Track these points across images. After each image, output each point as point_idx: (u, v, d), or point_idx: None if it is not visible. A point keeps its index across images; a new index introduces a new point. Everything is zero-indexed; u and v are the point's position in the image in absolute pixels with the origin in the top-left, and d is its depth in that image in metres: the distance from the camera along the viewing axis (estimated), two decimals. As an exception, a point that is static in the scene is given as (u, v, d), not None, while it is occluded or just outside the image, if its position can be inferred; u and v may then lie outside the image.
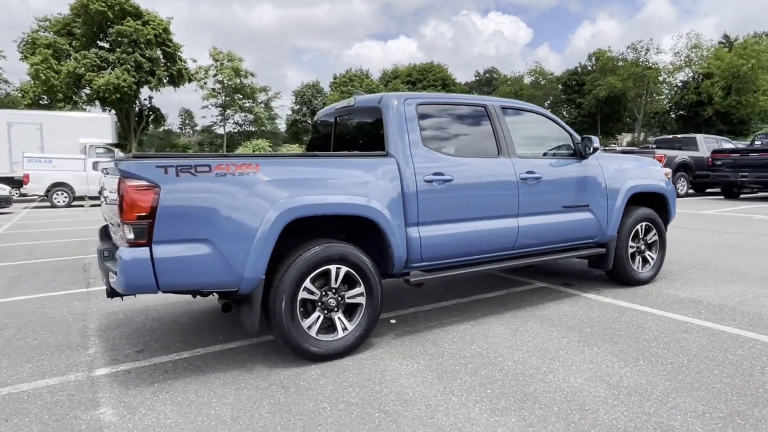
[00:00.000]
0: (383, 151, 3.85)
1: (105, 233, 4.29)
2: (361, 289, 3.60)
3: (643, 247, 5.31)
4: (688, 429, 2.54)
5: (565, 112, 75.46)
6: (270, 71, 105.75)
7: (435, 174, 3.90)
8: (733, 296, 4.82)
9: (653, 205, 5.42)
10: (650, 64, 66.88)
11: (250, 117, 59.83)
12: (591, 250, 4.95)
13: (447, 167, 3.97)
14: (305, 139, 65.04)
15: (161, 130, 60.46)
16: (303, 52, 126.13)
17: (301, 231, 3.53)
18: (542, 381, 3.13)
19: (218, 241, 3.13)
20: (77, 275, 6.51)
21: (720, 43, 64.07)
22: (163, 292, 3.11)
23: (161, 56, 42.47)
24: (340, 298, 3.55)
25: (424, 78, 64.51)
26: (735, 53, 57.26)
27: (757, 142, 16.37)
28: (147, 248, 2.98)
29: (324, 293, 3.50)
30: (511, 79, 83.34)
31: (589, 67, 74.46)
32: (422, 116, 4.01)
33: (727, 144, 17.13)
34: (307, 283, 3.41)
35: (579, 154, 4.82)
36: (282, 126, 68.28)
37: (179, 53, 44.47)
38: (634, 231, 5.18)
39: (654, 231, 5.38)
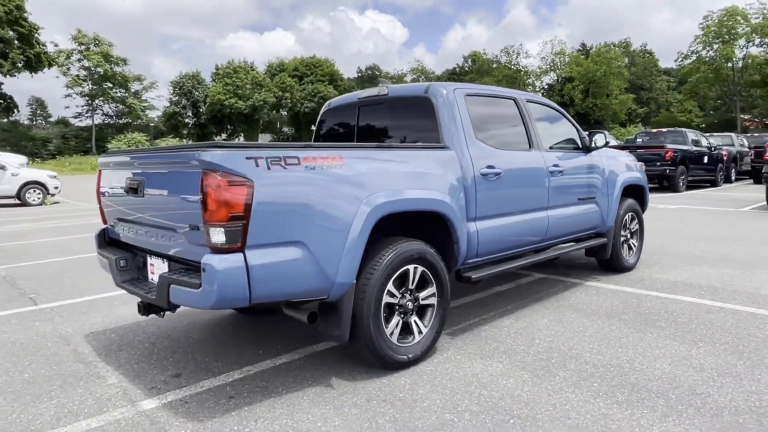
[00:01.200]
0: (432, 142, 3.68)
1: (107, 238, 3.63)
2: (433, 289, 3.40)
3: (629, 235, 5.67)
4: (800, 403, 2.73)
5: (445, 110, 78.78)
6: (134, 59, 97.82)
7: (488, 167, 3.80)
8: (715, 277, 5.32)
9: (634, 196, 5.80)
10: (520, 67, 72.42)
11: (122, 108, 54.85)
12: (594, 240, 5.17)
13: (496, 160, 3.89)
14: (185, 132, 61.10)
15: (6, 121, 52.85)
16: (171, 39, 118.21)
17: (374, 230, 3.24)
18: (635, 369, 3.18)
19: (311, 243, 2.75)
20: (7, 291, 5.44)
21: (578, 50, 71.00)
22: (253, 304, 2.67)
23: (15, 37, 37.34)
24: (414, 300, 3.32)
25: (312, 72, 63.79)
26: (591, 60, 63.89)
27: (638, 140, 18.37)
28: (240, 254, 2.52)
29: (401, 295, 3.25)
30: (395, 77, 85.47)
31: (466, 68, 78.72)
32: (470, 107, 3.88)
33: (613, 141, 19.06)
34: (389, 286, 3.14)
35: (585, 147, 5.00)
36: (157, 118, 63.55)
37: (36, 35, 39.44)
38: (624, 221, 5.51)
39: (636, 220, 5.77)
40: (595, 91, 64.82)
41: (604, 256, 5.37)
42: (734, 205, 11.85)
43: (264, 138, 64.31)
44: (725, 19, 54.69)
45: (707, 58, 57.19)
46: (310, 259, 2.75)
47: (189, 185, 2.61)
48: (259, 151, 2.62)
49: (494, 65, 71.91)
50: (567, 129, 4.99)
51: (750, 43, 55.21)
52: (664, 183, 15.97)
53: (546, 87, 71.13)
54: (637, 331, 3.82)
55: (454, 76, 77.64)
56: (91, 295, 5.16)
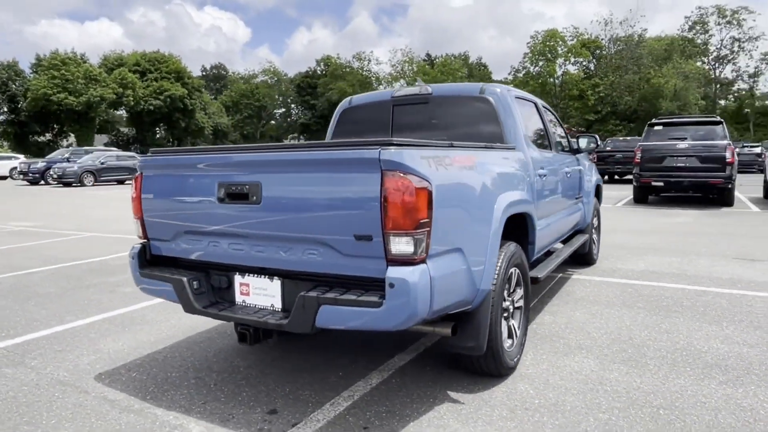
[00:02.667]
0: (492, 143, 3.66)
1: (148, 256, 2.98)
2: (521, 291, 3.37)
3: (593, 231, 6.20)
4: None
5: (300, 113, 78.35)
6: None
7: (542, 167, 3.88)
8: (669, 265, 6.04)
9: (596, 194, 6.35)
10: (372, 73, 74.75)
11: None
12: (583, 237, 5.55)
13: (543, 161, 3.99)
14: (10, 130, 52.59)
15: None
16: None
17: None
18: (701, 351, 3.48)
19: (465, 249, 2.56)
20: None
21: (424, 60, 75.38)
22: (427, 319, 2.39)
23: None
24: (512, 303, 3.27)
25: (156, 69, 58.79)
26: (438, 70, 68.37)
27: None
28: (425, 265, 2.25)
29: (508, 300, 3.18)
30: (245, 77, 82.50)
31: (319, 72, 79.03)
32: (519, 108, 3.92)
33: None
34: (504, 291, 3.04)
35: (573, 149, 5.35)
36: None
37: None
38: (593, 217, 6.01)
39: (597, 217, 6.32)
40: (441, 99, 69.07)
41: (583, 251, 5.79)
42: (607, 201, 13.57)
43: (100, 140, 57.68)
44: (548, 40, 62.31)
45: (534, 73, 64.53)
46: (467, 267, 2.55)
47: (355, 188, 2.26)
48: (424, 150, 2.36)
49: (346, 69, 73.31)
50: (561, 131, 5.29)
51: (567, 62, 63.65)
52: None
53: (397, 93, 74.14)
54: (664, 317, 4.18)
55: (307, 79, 77.47)
56: (49, 328, 4.18)
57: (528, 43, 64.38)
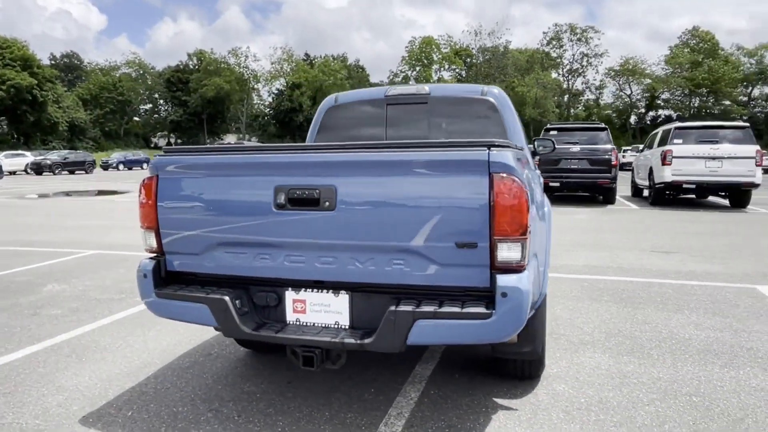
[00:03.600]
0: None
1: (163, 273, 2.53)
2: (539, 291, 3.41)
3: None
4: (804, 342, 3.72)
5: (170, 110, 73.37)
6: None
7: (535, 168, 3.97)
8: (608, 259, 6.54)
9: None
10: (250, 70, 72.33)
11: None
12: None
13: (531, 161, 4.09)
14: None
15: None
16: None
17: None
18: (687, 339, 3.79)
19: (539, 251, 2.51)
20: None
21: (303, 59, 74.59)
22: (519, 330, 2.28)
23: None
24: (536, 304, 3.29)
25: (-2, 55, 51.28)
26: (319, 70, 68.09)
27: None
28: (527, 272, 2.15)
29: (536, 301, 3.19)
30: (105, 68, 75.28)
31: (191, 66, 74.65)
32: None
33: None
34: (539, 292, 3.05)
35: (533, 152, 5.56)
36: None
37: None
38: (538, 217, 6.31)
39: (538, 216, 6.66)
40: (320, 99, 69.06)
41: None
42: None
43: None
44: (424, 46, 65.03)
45: (412, 78, 66.86)
46: (541, 270, 2.51)
47: (459, 192, 2.09)
48: (515, 150, 2.27)
49: (222, 65, 70.16)
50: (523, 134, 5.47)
51: (442, 68, 66.97)
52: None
53: (276, 92, 72.72)
54: (633, 309, 4.50)
55: (178, 73, 72.72)
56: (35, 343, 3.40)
57: (406, 47, 66.66)
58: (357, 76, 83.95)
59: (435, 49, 65.64)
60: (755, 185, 11.22)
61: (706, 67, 54.31)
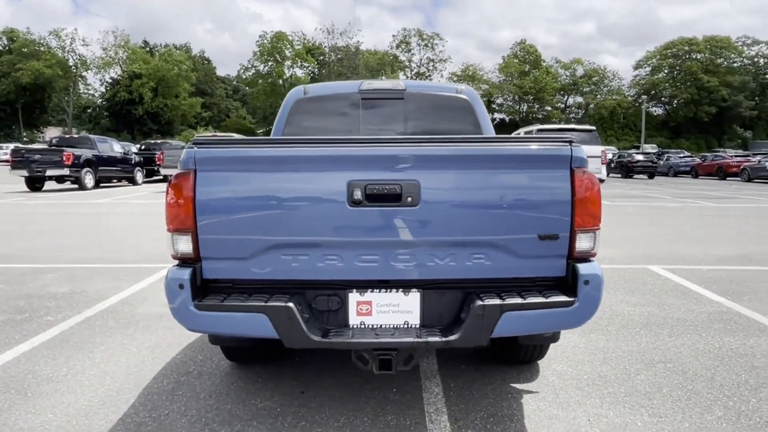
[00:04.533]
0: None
1: (199, 281, 2.23)
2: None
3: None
4: None
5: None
6: None
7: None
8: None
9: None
10: (78, 55, 64.44)
11: None
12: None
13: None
14: None
15: None
16: None
17: None
18: (661, 316, 4.32)
19: None
20: None
21: (141, 47, 68.53)
22: None
23: None
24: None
25: None
26: (161, 59, 62.96)
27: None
28: (596, 261, 2.29)
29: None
30: None
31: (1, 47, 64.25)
32: (478, 108, 4.16)
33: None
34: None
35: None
36: None
37: None
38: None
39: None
40: (164, 91, 64.21)
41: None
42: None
43: None
44: (276, 41, 63.72)
45: (264, 74, 65.20)
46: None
47: (542, 186, 2.15)
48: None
49: (41, 47, 61.47)
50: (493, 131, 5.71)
51: (295, 65, 66.25)
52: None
53: (110, 81, 65.76)
54: (608, 294, 4.92)
55: (-16, 54, 61.93)
56: None
57: (257, 42, 64.71)
58: (203, 68, 79.42)
59: (288, 46, 64.68)
60: (602, 180, 13.05)
61: (532, 77, 61.43)
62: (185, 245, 2.19)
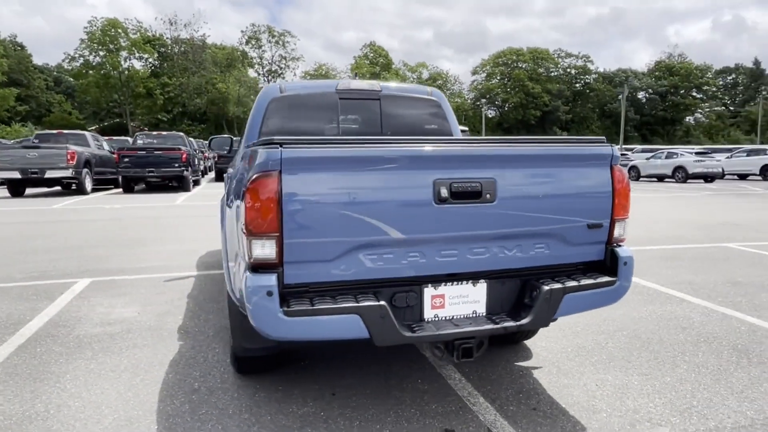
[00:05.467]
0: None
1: (282, 285, 2.16)
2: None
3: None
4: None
5: None
6: None
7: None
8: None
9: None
10: None
11: None
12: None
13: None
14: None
15: None
16: None
17: None
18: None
19: None
20: None
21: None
22: None
23: None
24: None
25: None
26: (-39, 43, 53.27)
27: (139, 141, 18.15)
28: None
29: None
30: None
31: None
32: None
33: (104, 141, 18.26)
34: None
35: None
36: None
37: None
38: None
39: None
40: (-36, 77, 54.66)
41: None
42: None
43: None
44: (108, 29, 57.69)
45: (95, 64, 58.75)
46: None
47: (590, 180, 2.44)
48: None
49: None
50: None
51: (132, 56, 60.63)
52: (175, 183, 16.99)
53: None
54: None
55: None
56: None
57: (85, 28, 58.01)
58: (15, 55, 68.85)
59: (122, 34, 58.92)
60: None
61: (384, 78, 63.80)
62: (268, 250, 2.09)
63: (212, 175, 25.56)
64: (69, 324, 4.04)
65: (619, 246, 2.58)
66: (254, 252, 2.09)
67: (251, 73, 67.21)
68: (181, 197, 14.69)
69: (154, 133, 19.04)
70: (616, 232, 2.55)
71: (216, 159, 22.74)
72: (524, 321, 2.35)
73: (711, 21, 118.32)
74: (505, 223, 2.34)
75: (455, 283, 2.39)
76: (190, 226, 9.08)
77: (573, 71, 72.06)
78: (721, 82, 73.82)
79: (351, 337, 2.16)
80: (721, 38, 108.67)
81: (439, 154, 2.24)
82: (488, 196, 2.27)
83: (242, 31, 71.26)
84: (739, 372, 3.19)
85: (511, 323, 2.34)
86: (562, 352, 3.50)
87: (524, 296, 2.46)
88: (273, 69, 67.48)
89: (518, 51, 69.80)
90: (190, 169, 16.68)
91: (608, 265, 2.56)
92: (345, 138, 2.27)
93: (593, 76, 71.81)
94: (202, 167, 23.10)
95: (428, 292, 2.35)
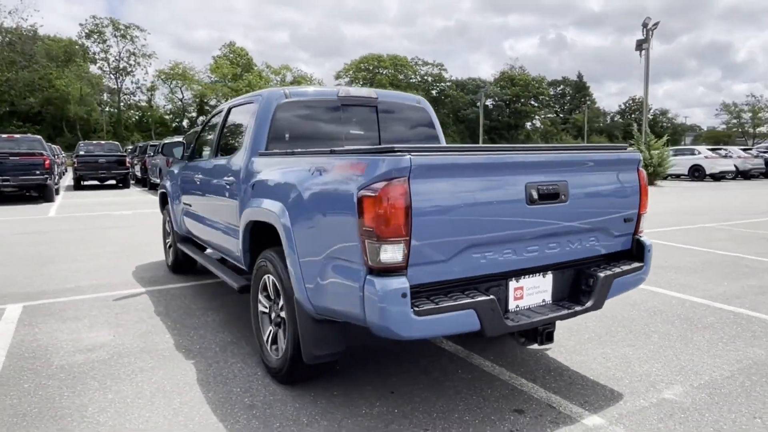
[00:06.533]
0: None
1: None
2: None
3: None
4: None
5: None
6: None
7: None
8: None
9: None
10: None
11: None
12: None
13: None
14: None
15: None
16: None
17: None
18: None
19: None
20: None
21: None
22: None
23: None
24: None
25: None
26: None
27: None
28: (636, 234, 3.15)
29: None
30: None
31: None
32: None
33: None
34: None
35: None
36: None
37: None
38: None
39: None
40: None
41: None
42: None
43: None
44: None
45: None
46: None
47: (626, 181, 2.86)
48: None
49: None
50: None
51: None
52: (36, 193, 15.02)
53: None
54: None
55: None
56: None
57: None
58: None
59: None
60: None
61: (247, 80, 61.84)
62: (397, 254, 2.17)
63: (68, 182, 22.88)
64: (38, 355, 3.57)
65: (641, 236, 3.06)
66: (382, 257, 2.16)
67: (94, 69, 60.90)
68: (50, 209, 13.03)
69: (5, 136, 16.45)
70: (642, 225, 3.02)
71: (75, 165, 20.49)
72: (588, 304, 2.70)
73: (539, 38, 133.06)
74: (573, 220, 2.67)
75: (530, 275, 2.66)
76: (91, 241, 8.20)
77: (429, 78, 76.53)
78: (552, 93, 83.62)
79: (465, 331, 2.32)
80: (547, 53, 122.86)
81: (531, 161, 2.51)
82: (563, 197, 2.58)
83: (81, 24, 64.30)
84: (696, 336, 3.89)
85: (578, 307, 2.68)
86: (568, 330, 3.93)
87: (580, 283, 2.81)
88: (121, 66, 61.80)
89: (379, 57, 72.29)
90: (52, 177, 14.86)
91: (634, 253, 3.02)
92: (460, 146, 2.44)
93: (447, 83, 76.95)
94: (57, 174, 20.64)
95: (512, 285, 2.59)
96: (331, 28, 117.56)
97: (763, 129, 68.69)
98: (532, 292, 2.68)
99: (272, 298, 3.13)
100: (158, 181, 18.17)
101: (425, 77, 76.73)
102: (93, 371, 3.31)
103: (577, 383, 3.11)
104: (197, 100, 62.32)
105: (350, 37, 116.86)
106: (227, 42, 67.54)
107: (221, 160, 4.15)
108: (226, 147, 4.28)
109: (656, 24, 22.15)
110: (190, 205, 4.96)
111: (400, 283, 2.16)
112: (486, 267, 2.45)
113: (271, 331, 3.17)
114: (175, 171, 5.57)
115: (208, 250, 5.19)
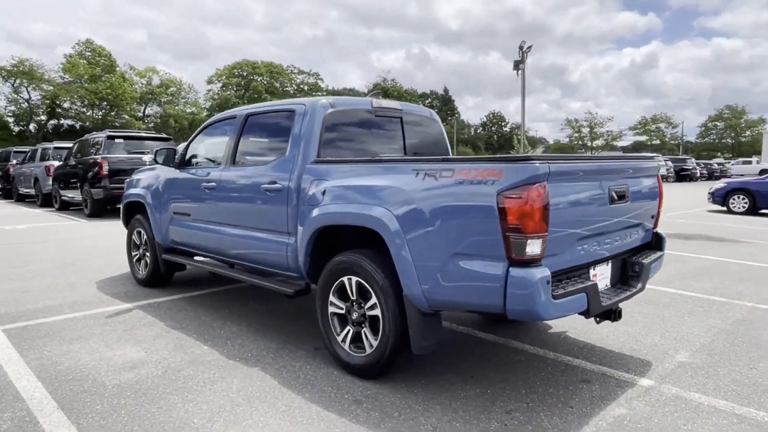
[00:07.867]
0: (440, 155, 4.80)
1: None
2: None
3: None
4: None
5: None
6: None
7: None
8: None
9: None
10: None
11: None
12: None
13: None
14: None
15: None
16: None
17: None
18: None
19: None
20: None
21: None
22: None
23: None
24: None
25: None
26: None
27: None
28: (647, 229, 3.81)
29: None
30: None
31: None
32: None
33: None
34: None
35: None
36: None
37: None
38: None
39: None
40: None
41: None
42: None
43: None
44: None
45: None
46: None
47: (651, 185, 3.50)
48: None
49: None
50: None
51: None
52: None
53: None
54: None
55: None
56: None
57: None
58: None
59: None
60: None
61: (108, 82, 56.59)
62: (538, 248, 2.52)
63: None
64: (77, 377, 3.31)
65: (658, 230, 3.73)
66: (527, 250, 2.50)
67: None
68: None
69: None
70: (658, 222, 3.69)
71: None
72: (639, 286, 3.27)
73: (405, 51, 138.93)
74: (630, 217, 3.23)
75: (601, 264, 3.16)
76: (12, 258, 7.30)
77: (306, 87, 76.50)
78: (422, 105, 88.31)
79: (577, 311, 2.74)
80: (412, 66, 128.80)
81: (614, 168, 3.03)
82: (626, 197, 3.13)
83: None
84: (666, 313, 4.71)
85: (633, 290, 3.24)
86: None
87: (627, 270, 3.37)
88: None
89: (254, 64, 70.63)
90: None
91: (654, 244, 3.67)
92: (576, 156, 2.84)
93: (323, 93, 77.52)
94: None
95: (591, 272, 3.07)
96: (193, 29, 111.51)
97: (599, 142, 79.10)
98: (601, 279, 3.17)
99: (353, 298, 3.27)
100: (30, 191, 16.28)
101: (301, 86, 76.60)
102: (159, 387, 3.17)
103: (610, 356, 3.68)
104: (47, 101, 55.60)
105: (215, 40, 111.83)
106: (82, 39, 61.19)
107: (250, 169, 4.13)
108: (251, 155, 4.26)
109: (530, 47, 24.82)
110: (189, 215, 4.79)
111: (543, 271, 2.51)
112: (582, 257, 2.90)
113: (349, 330, 3.31)
114: (158, 179, 5.29)
115: (199, 258, 5.04)
